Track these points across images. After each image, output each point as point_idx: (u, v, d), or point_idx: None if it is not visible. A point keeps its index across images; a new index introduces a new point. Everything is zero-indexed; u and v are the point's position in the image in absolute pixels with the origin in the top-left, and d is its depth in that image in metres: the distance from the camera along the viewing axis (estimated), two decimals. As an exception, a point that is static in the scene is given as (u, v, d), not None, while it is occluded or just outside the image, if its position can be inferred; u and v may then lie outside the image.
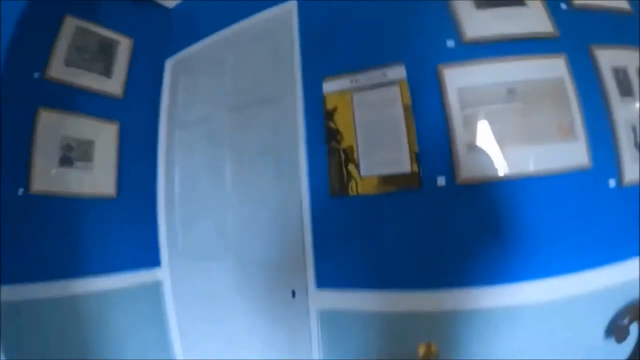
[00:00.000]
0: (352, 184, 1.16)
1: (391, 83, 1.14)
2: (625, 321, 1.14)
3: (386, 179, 1.13)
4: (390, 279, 1.10)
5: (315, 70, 1.25)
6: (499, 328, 1.08)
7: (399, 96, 1.12)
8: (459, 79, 1.08)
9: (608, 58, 1.33)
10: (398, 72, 1.15)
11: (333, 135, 1.18)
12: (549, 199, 1.16)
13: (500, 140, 1.09)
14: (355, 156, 1.16)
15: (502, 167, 1.10)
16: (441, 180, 1.10)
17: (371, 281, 1.11)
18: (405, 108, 1.12)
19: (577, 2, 1.37)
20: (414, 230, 1.10)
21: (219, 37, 1.48)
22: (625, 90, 1.33)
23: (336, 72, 1.22)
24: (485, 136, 1.08)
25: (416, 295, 1.08)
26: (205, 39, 1.52)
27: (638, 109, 1.35)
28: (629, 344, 1.16)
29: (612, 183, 1.23)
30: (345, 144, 1.18)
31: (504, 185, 1.10)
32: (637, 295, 1.18)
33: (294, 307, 1.16)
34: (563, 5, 1.34)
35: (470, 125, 1.09)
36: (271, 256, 1.26)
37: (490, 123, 1.09)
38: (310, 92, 1.23)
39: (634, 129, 1.30)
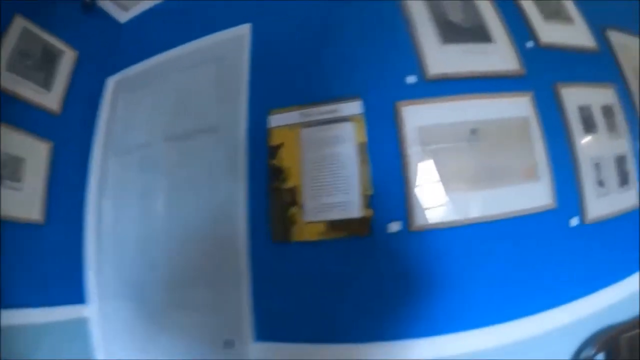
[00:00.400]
0: (296, 228, 1.06)
1: (345, 119, 1.07)
2: (592, 351, 1.20)
3: (334, 225, 1.05)
4: (335, 331, 1.01)
5: (264, 100, 1.16)
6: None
7: (353, 133, 1.05)
8: (420, 117, 1.04)
9: (573, 96, 1.34)
10: (353, 107, 1.08)
11: (277, 174, 1.08)
12: (513, 242, 1.14)
13: (462, 183, 1.04)
14: (301, 198, 1.07)
15: (462, 212, 1.05)
16: (394, 227, 1.04)
17: (315, 334, 1.01)
18: (359, 147, 1.05)
19: (543, 40, 1.39)
20: (362, 280, 1.03)
21: (165, 57, 1.39)
22: (590, 128, 1.34)
23: (286, 104, 1.13)
24: (445, 179, 1.03)
25: (365, 348, 0.99)
26: (151, 59, 1.43)
27: (601, 147, 1.35)
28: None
29: (575, 221, 1.24)
30: (289, 184, 1.08)
31: (463, 230, 1.05)
32: (601, 327, 1.27)
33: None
34: (529, 44, 1.35)
35: (429, 167, 1.03)
36: (205, 303, 1.14)
37: (452, 165, 1.04)
38: (256, 125, 1.14)
39: (597, 166, 1.30)
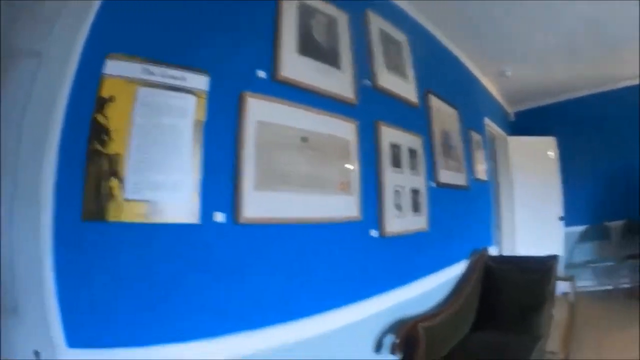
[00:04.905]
0: (113, 206, 1.06)
1: (189, 91, 1.25)
2: (394, 338, 1.86)
3: (159, 207, 1.13)
4: (154, 331, 1.11)
5: (108, 38, 1.11)
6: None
7: (194, 108, 1.23)
8: (261, 112, 1.40)
9: (389, 135, 2.03)
10: (200, 81, 1.27)
11: (99, 133, 1.06)
12: (326, 243, 1.64)
13: (288, 183, 1.46)
14: (123, 169, 1.08)
15: (286, 210, 1.45)
16: (220, 217, 1.27)
17: (135, 336, 1.07)
18: (196, 124, 1.23)
19: (378, 83, 2.07)
20: (183, 272, 1.17)
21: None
22: (396, 162, 2.06)
23: (131, 51, 1.14)
24: (274, 176, 1.41)
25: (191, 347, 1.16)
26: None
27: (403, 179, 2.08)
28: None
29: (375, 233, 1.93)
30: (112, 149, 1.08)
31: (285, 228, 1.46)
32: (399, 317, 2.00)
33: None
34: (367, 82, 2.00)
35: (261, 162, 1.38)
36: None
37: (281, 164, 1.44)
38: (88, 65, 1.07)
39: (397, 193, 1.99)
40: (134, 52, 1.14)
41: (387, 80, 2.23)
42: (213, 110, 1.27)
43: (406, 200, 2.18)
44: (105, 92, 1.08)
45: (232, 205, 1.31)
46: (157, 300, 1.13)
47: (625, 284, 4.82)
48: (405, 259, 2.21)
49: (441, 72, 3.29)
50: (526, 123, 5.79)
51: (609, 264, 4.92)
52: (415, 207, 2.29)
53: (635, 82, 5.00)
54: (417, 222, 2.32)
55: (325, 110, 1.66)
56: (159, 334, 1.12)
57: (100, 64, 1.09)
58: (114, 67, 1.11)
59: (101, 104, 1.08)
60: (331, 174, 1.66)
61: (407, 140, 2.28)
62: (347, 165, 1.74)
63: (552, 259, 2.99)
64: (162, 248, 1.15)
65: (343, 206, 1.71)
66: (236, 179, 1.32)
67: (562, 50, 3.95)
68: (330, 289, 1.65)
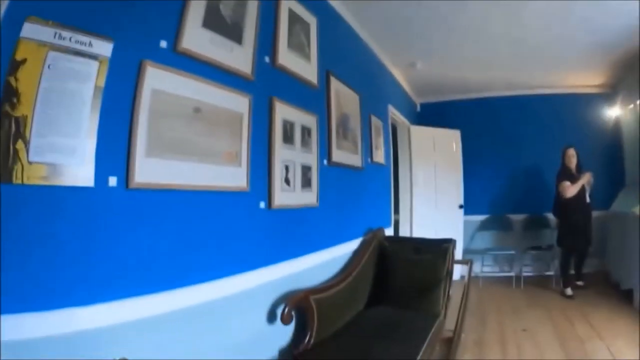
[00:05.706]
0: (18, 168, 1.24)
1: (93, 56, 1.44)
2: (287, 308, 2.20)
3: (58, 170, 1.34)
4: (56, 294, 1.32)
5: (28, 3, 1.28)
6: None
7: (95, 74, 1.48)
8: (158, 81, 1.73)
9: (283, 111, 2.53)
10: (104, 48, 1.47)
11: (10, 95, 1.24)
12: (213, 212, 2.01)
13: (178, 152, 1.81)
14: (28, 132, 1.27)
15: (175, 177, 1.77)
16: (113, 181, 1.51)
17: (40, 300, 1.28)
18: (96, 90, 1.49)
19: (278, 61, 2.53)
20: (82, 235, 1.40)
21: None
22: (288, 138, 2.57)
23: (47, 15, 1.32)
24: (165, 144, 1.73)
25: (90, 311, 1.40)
26: None
27: (293, 154, 2.59)
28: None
29: (263, 205, 2.38)
30: (20, 111, 1.26)
31: (174, 194, 1.75)
32: (290, 289, 2.39)
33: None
34: (267, 59, 2.45)
35: (153, 129, 1.68)
36: None
37: (173, 133, 1.78)
38: (9, 26, 1.24)
39: (286, 168, 2.50)
40: (48, 16, 1.32)
41: (288, 59, 2.69)
42: (113, 77, 1.52)
43: (296, 176, 2.69)
44: (19, 55, 1.27)
45: (125, 170, 1.55)
46: (60, 264, 1.34)
47: (528, 272, 6.09)
48: (294, 232, 2.64)
49: (348, 57, 3.88)
50: (432, 115, 6.85)
51: (510, 252, 6.02)
52: (305, 183, 2.80)
53: (541, 91, 6.40)
54: (306, 197, 2.81)
55: (220, 83, 2.03)
56: (59, 298, 1.32)
57: (19, 27, 1.26)
58: (30, 30, 1.29)
59: (14, 66, 1.26)
60: (221, 145, 2.05)
61: (302, 118, 2.78)
62: (238, 138, 2.16)
63: (448, 242, 3.49)
64: (61, 211, 1.36)
65: (232, 177, 2.11)
66: (129, 144, 1.57)
67: (477, 53, 4.85)
68: (219, 257, 1.96)
